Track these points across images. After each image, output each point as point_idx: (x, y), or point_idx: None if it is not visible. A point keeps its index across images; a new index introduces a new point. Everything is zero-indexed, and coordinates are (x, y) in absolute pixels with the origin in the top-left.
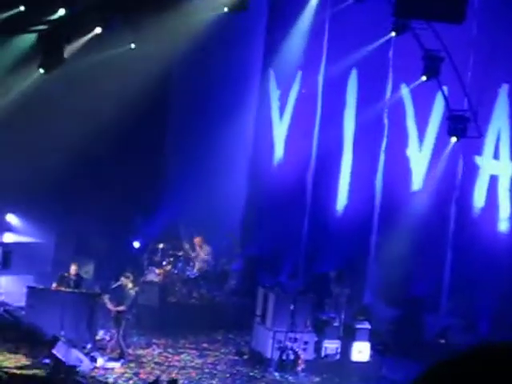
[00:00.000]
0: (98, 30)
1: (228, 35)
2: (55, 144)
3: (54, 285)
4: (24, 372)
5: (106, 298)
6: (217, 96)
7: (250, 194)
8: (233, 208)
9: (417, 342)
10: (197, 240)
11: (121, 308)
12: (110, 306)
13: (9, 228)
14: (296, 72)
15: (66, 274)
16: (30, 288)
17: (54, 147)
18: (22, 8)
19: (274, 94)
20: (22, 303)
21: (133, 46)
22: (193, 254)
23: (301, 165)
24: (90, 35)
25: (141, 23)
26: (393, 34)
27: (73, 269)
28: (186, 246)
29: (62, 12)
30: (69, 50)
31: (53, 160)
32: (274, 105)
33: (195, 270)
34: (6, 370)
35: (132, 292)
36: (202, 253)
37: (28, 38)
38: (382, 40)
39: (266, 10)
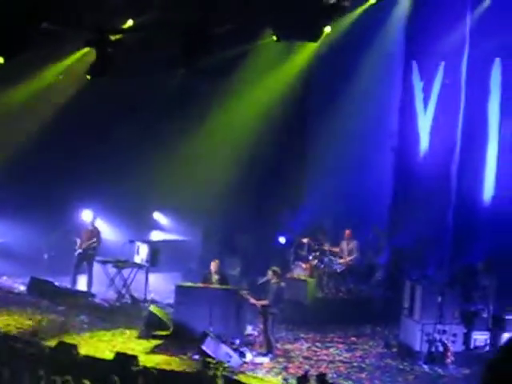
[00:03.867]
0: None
1: (369, 28)
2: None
3: (200, 284)
4: (174, 368)
5: (245, 293)
6: (360, 89)
7: (396, 186)
8: (378, 201)
9: None
10: (347, 232)
11: (264, 302)
12: (251, 300)
13: (156, 226)
14: (439, 62)
15: (208, 273)
16: (178, 286)
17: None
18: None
19: (418, 86)
20: (171, 300)
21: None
22: (338, 248)
23: (446, 155)
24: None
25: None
26: None
27: (213, 266)
28: (328, 243)
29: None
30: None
31: (197, 161)
32: (418, 96)
33: (342, 264)
34: (156, 366)
35: (275, 286)
36: (347, 246)
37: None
38: None
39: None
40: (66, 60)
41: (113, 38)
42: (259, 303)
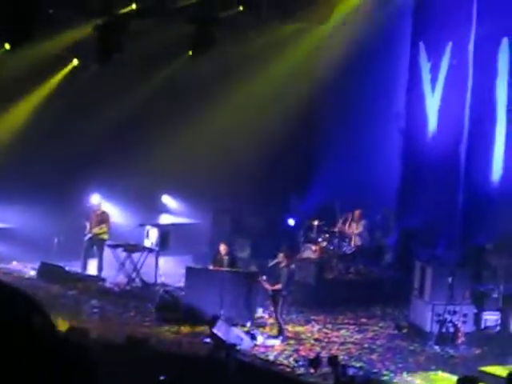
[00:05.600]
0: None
1: (377, 8)
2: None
3: (211, 266)
4: (185, 351)
5: (263, 279)
6: (367, 70)
7: (404, 167)
8: (387, 181)
9: None
10: (356, 213)
11: (277, 286)
12: (267, 285)
13: (165, 209)
14: (446, 43)
15: (218, 255)
16: (188, 268)
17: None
18: None
19: (425, 67)
20: (181, 283)
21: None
22: (348, 230)
23: (454, 136)
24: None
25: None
26: None
27: (222, 248)
28: (341, 222)
29: None
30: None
31: (205, 143)
32: (426, 77)
33: (351, 246)
34: (167, 349)
35: (286, 269)
36: (357, 227)
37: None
38: None
39: None
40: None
41: (120, 22)
42: (273, 288)
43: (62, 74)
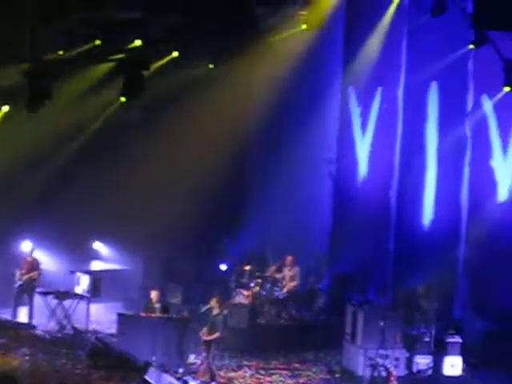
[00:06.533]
0: (175, 54)
1: (306, 55)
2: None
3: (143, 313)
4: None
5: (203, 333)
6: (297, 116)
7: (336, 212)
8: (318, 227)
9: (510, 354)
10: (288, 259)
11: (214, 336)
12: (205, 337)
13: (96, 256)
14: (376, 88)
15: (150, 302)
16: (120, 315)
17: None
18: (97, 42)
19: (355, 111)
20: (113, 330)
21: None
22: (280, 275)
23: (384, 180)
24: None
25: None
26: (471, 46)
27: (154, 296)
28: (273, 267)
29: (138, 43)
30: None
31: (135, 190)
32: (356, 122)
33: (283, 291)
34: None
35: (220, 315)
36: (289, 273)
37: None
38: (461, 52)
39: (342, 27)
40: None
41: (47, 69)
42: (210, 338)
43: None
